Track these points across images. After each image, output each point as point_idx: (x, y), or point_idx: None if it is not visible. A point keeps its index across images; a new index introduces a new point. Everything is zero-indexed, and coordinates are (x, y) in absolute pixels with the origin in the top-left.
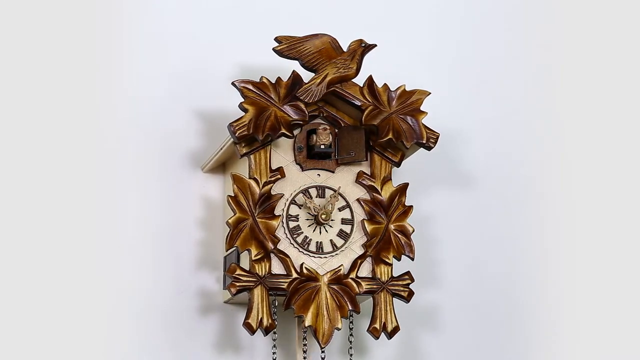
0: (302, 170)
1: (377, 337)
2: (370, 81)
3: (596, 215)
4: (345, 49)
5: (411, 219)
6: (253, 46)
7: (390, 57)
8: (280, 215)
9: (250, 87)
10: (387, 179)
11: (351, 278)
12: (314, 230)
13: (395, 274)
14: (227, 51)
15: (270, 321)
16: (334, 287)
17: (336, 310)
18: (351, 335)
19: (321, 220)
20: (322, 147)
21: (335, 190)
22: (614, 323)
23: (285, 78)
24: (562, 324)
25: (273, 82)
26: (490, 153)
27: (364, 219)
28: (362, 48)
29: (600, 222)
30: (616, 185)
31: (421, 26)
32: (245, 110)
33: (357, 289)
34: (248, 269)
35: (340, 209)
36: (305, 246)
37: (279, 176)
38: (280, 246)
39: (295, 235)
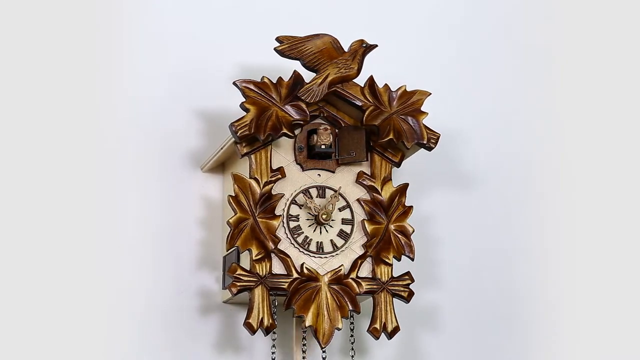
0: (303, 170)
1: (377, 337)
2: (371, 81)
3: (596, 215)
4: (346, 49)
5: (411, 219)
6: (253, 46)
7: (391, 57)
8: (280, 215)
9: (252, 87)
10: (387, 179)
11: (351, 278)
12: (314, 230)
13: (395, 274)
14: (227, 51)
15: (270, 321)
16: (335, 287)
17: (336, 310)
18: (351, 335)
19: (322, 220)
20: (323, 147)
21: (335, 191)
22: (614, 323)
23: (285, 78)
24: (562, 323)
25: (274, 82)
26: (490, 153)
27: (364, 219)
28: (363, 48)
29: (600, 222)
30: (616, 185)
31: (422, 27)
32: (246, 110)
33: (357, 289)
34: (249, 269)
35: (340, 209)
36: (306, 246)
37: (279, 176)
38: (281, 246)
39: (295, 235)
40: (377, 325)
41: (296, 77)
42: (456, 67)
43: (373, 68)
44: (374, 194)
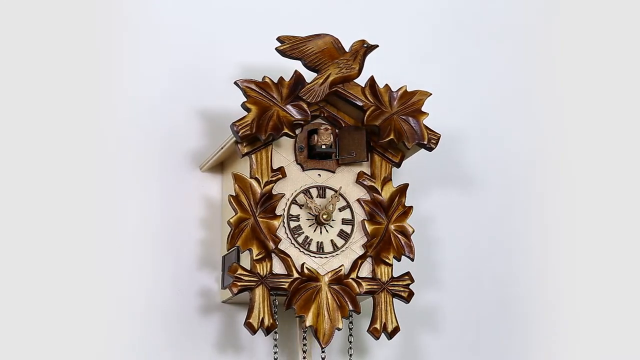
0: (303, 170)
1: (377, 338)
2: (372, 82)
3: (596, 215)
4: (347, 49)
5: (411, 219)
6: (254, 46)
7: (392, 57)
8: (281, 215)
9: (253, 86)
10: (388, 180)
11: (352, 278)
12: (314, 230)
13: (395, 275)
14: (228, 51)
15: (271, 321)
16: (335, 287)
17: (337, 310)
18: (351, 335)
19: (322, 220)
20: (323, 147)
21: (336, 191)
22: (613, 323)
23: (287, 78)
24: (562, 324)
25: (275, 81)
26: (490, 153)
27: (364, 219)
28: (365, 48)
29: (600, 222)
30: (616, 185)
31: (422, 27)
32: (247, 110)
33: (357, 289)
34: (249, 269)
35: (340, 209)
36: (306, 246)
37: (280, 176)
38: (281, 246)
39: (296, 235)
40: (377, 326)
41: (297, 77)
42: (456, 68)
43: (374, 68)
44: (374, 194)
